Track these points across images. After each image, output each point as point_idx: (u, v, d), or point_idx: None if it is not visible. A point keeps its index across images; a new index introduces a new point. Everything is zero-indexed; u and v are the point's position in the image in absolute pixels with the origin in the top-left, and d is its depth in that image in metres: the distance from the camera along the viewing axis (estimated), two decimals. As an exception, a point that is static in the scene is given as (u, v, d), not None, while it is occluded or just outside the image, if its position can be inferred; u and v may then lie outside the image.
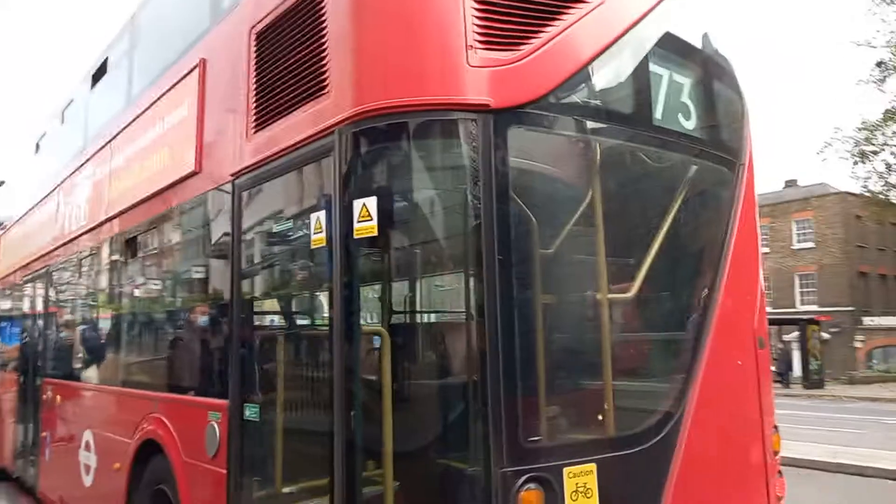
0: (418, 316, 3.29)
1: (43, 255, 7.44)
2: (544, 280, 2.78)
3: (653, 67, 3.20)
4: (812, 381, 24.99)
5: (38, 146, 9.00)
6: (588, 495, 2.56)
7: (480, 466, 2.44)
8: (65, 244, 6.65)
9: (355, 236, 2.65)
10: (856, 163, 26.12)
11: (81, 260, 6.22)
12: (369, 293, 3.03)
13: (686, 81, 3.40)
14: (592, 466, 2.59)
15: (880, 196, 26.42)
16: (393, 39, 2.76)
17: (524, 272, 2.67)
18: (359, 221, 2.65)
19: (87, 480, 5.24)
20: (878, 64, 24.88)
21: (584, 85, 2.92)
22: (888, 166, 25.88)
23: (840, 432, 12.42)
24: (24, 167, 9.77)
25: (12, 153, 10.99)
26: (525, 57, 2.72)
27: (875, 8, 24.27)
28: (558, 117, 2.83)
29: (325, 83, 2.95)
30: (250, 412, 3.27)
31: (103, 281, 5.72)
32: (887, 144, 25.83)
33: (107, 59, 6.24)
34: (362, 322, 2.83)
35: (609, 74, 3.06)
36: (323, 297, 3.03)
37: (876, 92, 28.32)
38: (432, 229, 2.89)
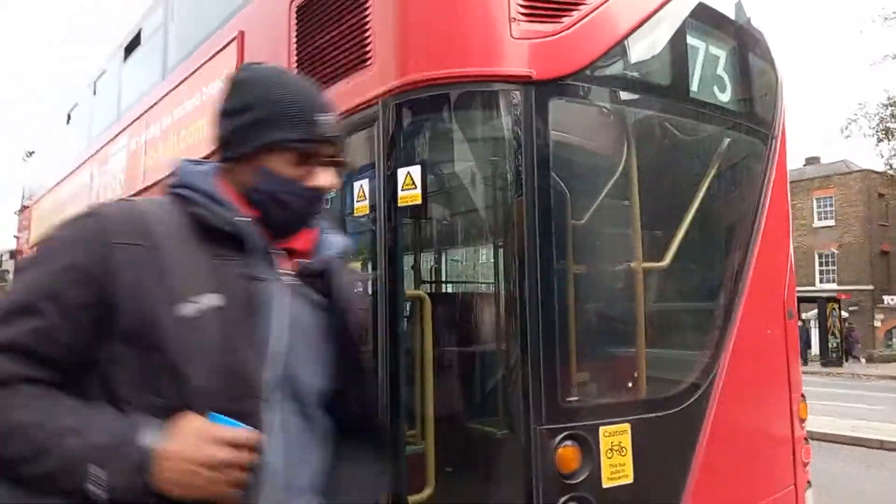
0: (459, 282, 3.40)
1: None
2: (582, 249, 2.87)
3: (690, 40, 3.24)
4: (830, 358, 24.92)
5: (69, 117, 9.16)
6: (622, 453, 2.67)
7: (521, 425, 2.55)
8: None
9: (399, 204, 2.75)
10: (879, 140, 25.67)
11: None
12: (411, 259, 3.13)
13: (722, 53, 3.43)
14: (627, 426, 2.70)
15: (905, 174, 25.97)
16: (437, 11, 2.82)
17: (562, 241, 2.75)
18: (403, 189, 2.74)
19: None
20: (908, 37, 24.29)
21: (622, 57, 2.97)
22: (914, 143, 25.41)
23: (860, 408, 12.47)
24: (55, 137, 9.95)
25: (42, 123, 11.13)
26: (566, 29, 2.78)
27: None
28: (598, 89, 2.89)
29: (367, 55, 3.02)
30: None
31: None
32: (914, 121, 25.32)
33: (140, 31, 6.34)
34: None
35: (647, 46, 3.10)
36: (366, 263, 3.14)
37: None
38: (474, 199, 2.98)
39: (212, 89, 4.62)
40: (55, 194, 9.13)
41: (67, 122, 9.17)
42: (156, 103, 5.59)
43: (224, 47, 4.43)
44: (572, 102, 2.83)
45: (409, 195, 2.72)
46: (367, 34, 3.03)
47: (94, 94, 7.87)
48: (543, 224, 2.64)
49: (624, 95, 2.98)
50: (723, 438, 2.99)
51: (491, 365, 2.85)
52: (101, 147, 6.98)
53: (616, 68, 2.95)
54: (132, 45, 6.53)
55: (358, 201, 3.04)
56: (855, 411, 11.70)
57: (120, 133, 6.46)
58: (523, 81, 2.67)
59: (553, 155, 2.70)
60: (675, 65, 3.16)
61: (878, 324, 34.09)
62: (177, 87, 5.18)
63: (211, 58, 4.64)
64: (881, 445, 8.62)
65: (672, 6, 3.11)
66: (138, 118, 5.95)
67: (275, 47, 3.80)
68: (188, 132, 4.94)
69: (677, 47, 3.18)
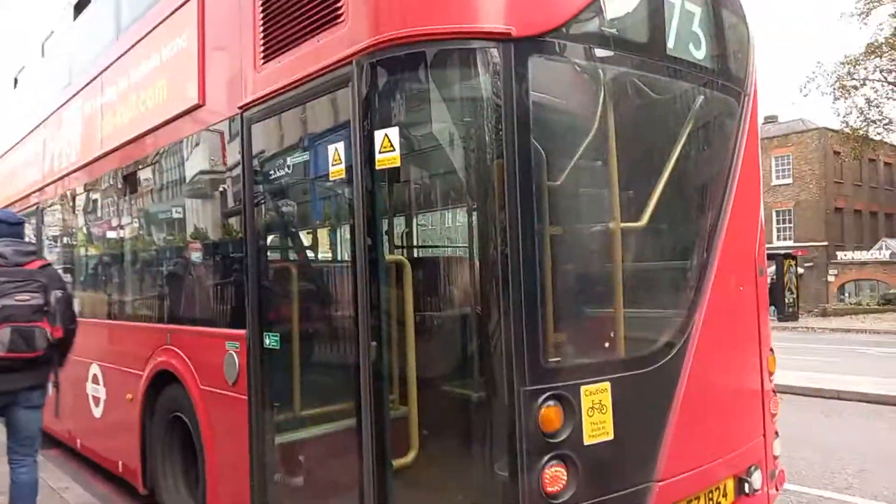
0: (439, 246, 3.36)
1: (32, 193, 7.34)
2: (562, 210, 2.86)
3: (666, -5, 3.19)
4: (787, 313, 25.76)
5: (16, 81, 8.73)
6: (603, 411, 2.71)
7: (504, 386, 2.56)
8: (57, 180, 6.56)
9: (377, 167, 2.68)
10: (836, 98, 26.21)
11: (76, 196, 6.16)
12: (389, 224, 3.08)
13: (697, 9, 3.39)
14: (607, 385, 2.73)
15: (860, 132, 26.63)
16: (412, -35, 2.72)
17: (543, 202, 2.71)
18: (381, 152, 2.67)
19: (97, 412, 5.35)
20: (864, -5, 24.65)
21: (600, 13, 2.91)
22: (868, 101, 26.03)
23: (816, 360, 12.96)
24: (1, 103, 9.48)
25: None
26: (545, -16, 2.70)
27: None
28: (577, 46, 2.84)
29: (340, 12, 2.91)
30: (270, 340, 3.36)
31: (105, 217, 5.69)
32: (868, 79, 25.89)
33: (90, -13, 6.01)
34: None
35: (624, 2, 3.06)
36: (342, 228, 3.08)
37: (860, 25, 28.14)
38: (452, 160, 2.92)
39: (172, 49, 4.43)
40: (4, 163, 8.74)
41: (14, 86, 8.74)
42: (111, 65, 5.35)
43: (184, 3, 4.23)
44: (552, 60, 2.77)
45: (388, 158, 2.66)
46: (337, -11, 2.91)
47: (43, 55, 7.49)
48: (524, 185, 2.60)
49: (602, 53, 2.93)
50: (698, 393, 3.05)
51: (473, 328, 2.84)
52: (54, 112, 6.68)
53: (594, 25, 2.90)
54: (82, 4, 6.20)
55: (333, 165, 2.96)
56: (812, 364, 12.15)
57: (73, 97, 6.18)
58: (502, 38, 2.61)
59: (532, 115, 2.65)
60: (652, 21, 3.12)
61: (831, 279, 35.29)
62: (133, 47, 4.96)
63: (169, 15, 4.43)
64: (838, 395, 8.99)
65: (649, -39, 3.05)
66: (93, 80, 5.68)
67: (239, 4, 3.64)
68: (147, 94, 4.75)
69: (653, 3, 3.13)
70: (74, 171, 6.10)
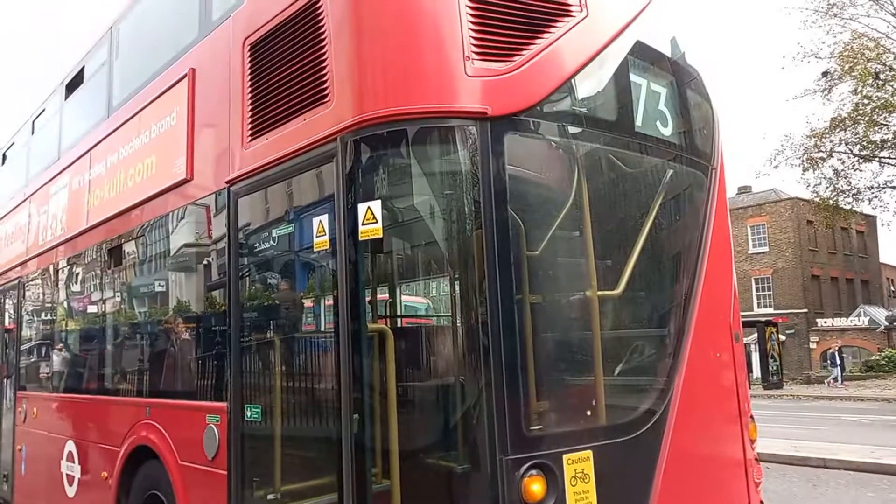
0: (420, 316, 3.41)
1: (13, 267, 7.31)
2: (540, 280, 2.94)
3: (633, 77, 3.40)
4: (771, 381, 25.69)
5: (4, 157, 8.83)
6: (585, 480, 2.71)
7: (487, 456, 2.56)
8: (39, 255, 6.57)
9: (360, 238, 2.76)
10: (805, 170, 27.03)
11: (59, 270, 6.16)
12: (372, 294, 3.13)
13: (662, 90, 3.60)
14: (589, 453, 2.74)
15: (830, 202, 27.36)
16: (394, 50, 2.89)
17: (521, 273, 2.80)
18: (363, 224, 2.76)
19: (71, 491, 5.18)
20: (824, 74, 25.83)
21: (572, 94, 3.09)
22: (836, 172, 26.86)
23: (801, 429, 12.90)
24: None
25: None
26: (518, 67, 2.88)
27: (813, 19, 25.11)
28: (550, 124, 3.00)
29: (325, 92, 3.06)
30: (252, 413, 3.34)
31: (86, 290, 5.67)
32: (835, 151, 26.81)
33: (83, 68, 6.21)
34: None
35: (594, 84, 3.24)
36: (325, 299, 3.12)
37: (823, 101, 29.45)
38: (433, 232, 3.01)
39: (161, 126, 4.57)
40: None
41: (2, 162, 8.84)
42: (100, 141, 5.47)
43: (174, 84, 4.40)
44: (526, 137, 2.92)
45: (370, 229, 2.74)
46: (324, 71, 3.07)
47: (32, 133, 7.63)
48: (502, 256, 2.69)
49: (574, 130, 3.09)
50: (680, 461, 3.06)
51: (454, 398, 2.86)
52: (41, 187, 6.76)
53: (566, 104, 3.07)
54: (74, 83, 6.39)
55: (317, 237, 3.04)
56: (797, 432, 12.09)
57: (61, 172, 6.27)
58: (479, 117, 2.75)
59: (509, 188, 2.77)
60: (621, 100, 3.31)
61: (813, 346, 35.47)
62: (123, 124, 5.09)
63: (160, 95, 4.59)
64: (824, 464, 8.93)
65: (614, 45, 3.26)
66: (81, 157, 5.80)
67: (228, 85, 3.79)
68: (136, 170, 4.85)
69: (621, 84, 3.33)
70: (59, 244, 6.13)
